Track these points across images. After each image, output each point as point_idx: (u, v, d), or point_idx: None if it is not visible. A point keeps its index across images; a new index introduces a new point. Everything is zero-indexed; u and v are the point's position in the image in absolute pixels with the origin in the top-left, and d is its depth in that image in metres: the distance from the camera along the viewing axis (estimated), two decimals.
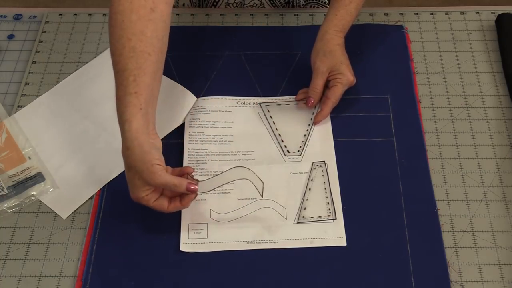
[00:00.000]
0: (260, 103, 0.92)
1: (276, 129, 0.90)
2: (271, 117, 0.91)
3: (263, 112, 0.91)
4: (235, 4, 1.08)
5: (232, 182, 0.83)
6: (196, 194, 0.76)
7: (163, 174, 0.72)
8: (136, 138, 0.72)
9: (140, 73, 0.73)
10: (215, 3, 1.08)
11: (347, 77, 0.87)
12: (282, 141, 0.88)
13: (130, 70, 0.73)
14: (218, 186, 0.79)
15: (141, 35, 0.74)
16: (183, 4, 1.11)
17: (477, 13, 1.05)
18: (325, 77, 0.88)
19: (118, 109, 0.74)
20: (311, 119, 0.90)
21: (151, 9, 0.75)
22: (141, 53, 0.74)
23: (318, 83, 0.87)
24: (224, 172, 0.80)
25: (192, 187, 0.73)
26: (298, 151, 0.87)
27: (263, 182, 0.80)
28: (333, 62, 0.87)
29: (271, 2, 1.07)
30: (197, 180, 0.76)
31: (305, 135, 0.89)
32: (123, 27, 0.74)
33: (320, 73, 0.87)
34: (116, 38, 0.75)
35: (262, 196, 0.81)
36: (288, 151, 0.87)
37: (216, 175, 0.80)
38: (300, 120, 0.90)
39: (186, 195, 0.75)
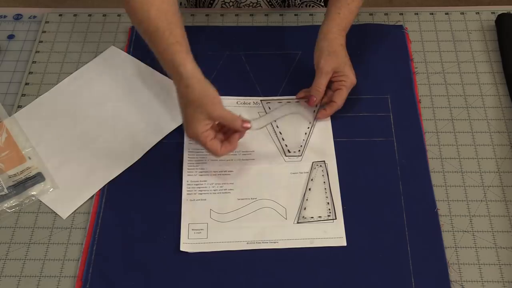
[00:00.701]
0: (261, 100, 0.92)
1: (277, 126, 0.90)
2: (269, 125, 0.91)
3: (264, 110, 0.91)
4: (231, 3, 1.08)
5: (232, 182, 0.83)
6: (243, 134, 0.82)
7: (223, 107, 0.78)
8: (194, 76, 0.77)
9: (173, 27, 0.80)
10: (211, 2, 1.08)
11: (350, 79, 0.87)
12: (283, 139, 0.88)
13: (163, 27, 0.79)
14: (268, 124, 0.86)
15: None
16: (180, 3, 1.11)
17: (477, 13, 1.05)
18: (329, 77, 0.88)
19: (165, 60, 0.80)
20: (313, 118, 0.90)
21: None
22: (167, 12, 0.81)
23: (321, 82, 0.87)
24: (272, 110, 0.87)
25: (245, 124, 0.80)
26: (299, 150, 0.87)
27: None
28: (337, 62, 0.87)
29: (268, 1, 1.07)
30: (248, 120, 0.81)
31: (305, 133, 0.89)
32: None
33: (324, 73, 0.87)
34: (139, 6, 0.81)
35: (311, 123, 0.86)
36: (288, 151, 0.87)
37: (265, 114, 0.87)
38: (301, 120, 0.90)
39: (233, 135, 0.81)
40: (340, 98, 0.88)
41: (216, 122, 0.81)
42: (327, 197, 0.83)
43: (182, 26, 0.82)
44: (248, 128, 0.80)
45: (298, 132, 0.89)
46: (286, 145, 0.88)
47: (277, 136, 0.89)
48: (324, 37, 0.88)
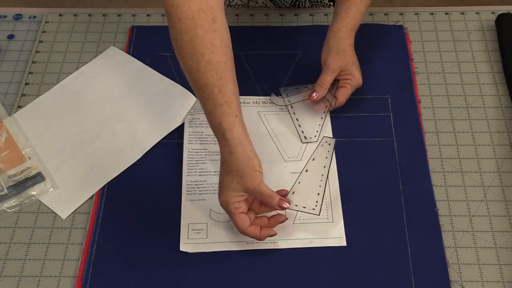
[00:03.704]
0: (278, 87, 0.92)
1: (294, 113, 0.90)
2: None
3: (281, 96, 0.92)
4: (238, 5, 1.08)
5: None
6: (286, 219, 0.76)
7: (262, 181, 0.73)
8: (240, 144, 0.72)
9: (223, 83, 0.73)
10: None
11: (356, 78, 0.88)
12: (300, 125, 0.89)
13: (213, 83, 0.73)
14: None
15: (212, 47, 0.73)
16: None
17: (477, 13, 1.05)
18: (335, 75, 0.88)
19: (213, 121, 0.74)
20: (319, 124, 0.90)
21: (212, 20, 0.74)
22: (218, 64, 0.73)
23: (326, 79, 0.87)
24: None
25: (284, 204, 0.73)
26: (297, 156, 0.87)
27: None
28: (345, 61, 0.87)
29: (275, 4, 1.07)
30: (290, 200, 0.76)
31: (321, 118, 0.89)
32: (193, 44, 0.73)
33: (331, 70, 0.87)
34: (189, 56, 0.74)
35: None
36: (288, 157, 0.87)
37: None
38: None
39: (275, 217, 0.76)
40: (342, 96, 0.88)
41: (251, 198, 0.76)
42: (326, 199, 0.82)
43: (234, 79, 0.75)
44: (285, 208, 0.74)
45: (296, 138, 0.89)
46: (285, 151, 0.88)
47: (275, 144, 0.88)
48: (334, 35, 0.88)
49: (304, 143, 0.88)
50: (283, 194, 0.77)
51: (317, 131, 0.89)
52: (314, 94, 0.88)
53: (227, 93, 0.73)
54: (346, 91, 0.88)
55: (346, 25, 0.88)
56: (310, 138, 0.88)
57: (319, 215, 0.78)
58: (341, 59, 0.87)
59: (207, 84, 0.73)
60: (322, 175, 0.79)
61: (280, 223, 0.77)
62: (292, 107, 0.91)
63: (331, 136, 0.89)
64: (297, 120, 0.90)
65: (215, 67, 0.73)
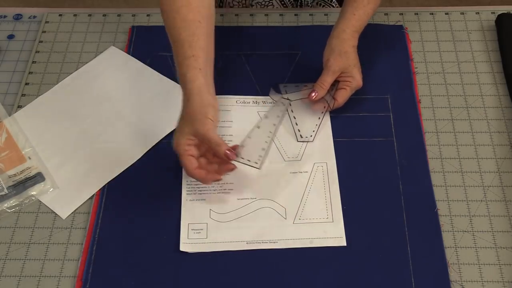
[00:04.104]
0: (279, 84, 0.92)
1: (292, 111, 0.90)
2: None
3: (280, 92, 0.92)
4: (241, 3, 1.08)
5: (232, 182, 0.83)
6: (233, 167, 0.79)
7: (212, 128, 0.76)
8: (198, 94, 0.77)
9: (194, 39, 0.79)
10: (221, 2, 1.09)
11: (357, 81, 0.88)
12: (297, 124, 0.88)
13: (183, 38, 0.79)
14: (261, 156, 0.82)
15: (189, 5, 0.81)
16: None
17: (477, 13, 1.05)
18: (335, 77, 0.88)
19: (180, 72, 0.79)
20: (316, 124, 0.90)
21: None
22: (192, 22, 0.80)
23: (326, 79, 0.87)
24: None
25: (230, 154, 0.76)
26: (297, 156, 0.87)
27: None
28: (346, 63, 0.87)
29: (281, 1, 1.07)
30: (238, 152, 0.79)
31: (319, 118, 0.89)
32: (171, 3, 0.81)
33: (332, 72, 0.87)
34: (167, 13, 0.82)
35: None
36: (288, 157, 0.87)
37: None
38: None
39: (224, 165, 0.78)
40: (341, 97, 0.88)
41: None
42: (326, 197, 0.83)
43: (208, 37, 0.81)
44: (231, 159, 0.76)
45: (311, 118, 0.89)
46: (285, 152, 0.88)
47: (290, 120, 0.88)
48: (338, 36, 0.88)
49: (299, 141, 0.88)
50: (234, 147, 0.79)
51: (313, 131, 0.89)
52: (313, 94, 0.88)
53: (195, 48, 0.79)
54: (345, 93, 0.88)
55: (351, 26, 0.88)
56: (306, 137, 0.88)
57: (259, 168, 0.80)
58: (343, 60, 0.87)
59: (179, 40, 0.80)
60: (270, 132, 0.82)
61: (229, 171, 0.79)
62: (290, 104, 0.91)
63: (331, 136, 0.89)
64: (295, 118, 0.89)
65: (188, 25, 0.80)
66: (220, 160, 0.78)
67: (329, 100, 0.89)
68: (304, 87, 0.91)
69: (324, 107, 0.90)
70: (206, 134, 0.76)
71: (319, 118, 0.90)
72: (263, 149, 0.80)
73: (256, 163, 0.80)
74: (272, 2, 1.08)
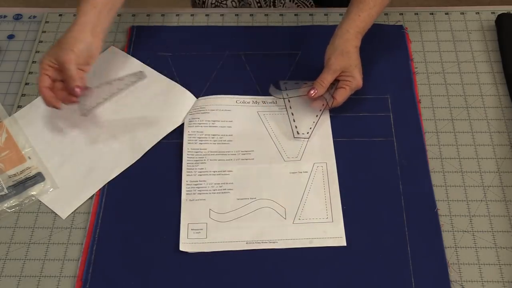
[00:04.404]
0: (279, 81, 0.93)
1: (291, 107, 0.90)
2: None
3: (280, 89, 0.91)
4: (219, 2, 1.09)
5: (232, 182, 0.83)
6: (76, 102, 0.84)
7: (71, 60, 0.82)
8: (78, 27, 0.84)
9: None
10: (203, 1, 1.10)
11: (357, 81, 0.88)
12: (294, 120, 0.88)
13: None
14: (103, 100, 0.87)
15: None
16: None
17: (477, 13, 1.05)
18: (336, 75, 0.88)
19: (78, 2, 0.85)
20: (313, 122, 0.90)
21: None
22: None
23: (327, 78, 0.87)
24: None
25: (77, 89, 0.83)
26: (297, 156, 0.87)
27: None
28: (347, 63, 0.87)
29: (257, 1, 1.08)
30: (88, 88, 0.85)
31: (303, 139, 0.89)
32: None
33: (333, 70, 0.87)
34: None
35: None
36: (288, 157, 0.87)
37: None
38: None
39: (69, 96, 0.84)
40: (340, 96, 0.88)
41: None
42: (326, 197, 0.83)
43: None
44: (76, 95, 0.83)
45: (309, 115, 0.89)
46: (285, 152, 0.88)
47: (275, 145, 0.88)
48: (341, 36, 0.88)
49: (296, 138, 0.88)
50: (85, 88, 0.84)
51: (310, 128, 0.88)
52: (312, 92, 0.87)
53: None
54: (345, 92, 0.88)
55: (355, 27, 0.88)
56: (303, 134, 0.88)
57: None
58: (344, 60, 0.87)
59: None
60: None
61: (71, 103, 0.85)
62: (289, 101, 0.91)
63: (331, 136, 0.89)
64: (292, 114, 0.89)
65: None
66: (69, 91, 0.84)
67: (328, 99, 0.89)
68: (304, 85, 0.91)
69: (323, 105, 0.90)
70: (64, 64, 0.82)
71: (317, 116, 0.90)
72: (98, 103, 0.86)
73: (84, 110, 0.86)
74: (249, 1, 1.08)
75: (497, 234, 0.80)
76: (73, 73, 0.82)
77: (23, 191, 0.84)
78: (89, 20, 0.84)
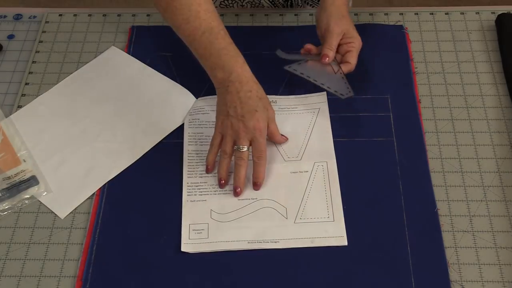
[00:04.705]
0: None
1: None
2: None
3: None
4: (231, 2, 1.08)
5: (232, 183, 0.83)
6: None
7: None
8: (256, 82, 0.83)
9: (223, 28, 0.84)
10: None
11: (358, 41, 0.90)
12: (282, 148, 0.88)
13: (216, 26, 0.83)
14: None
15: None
16: None
17: (477, 13, 1.05)
18: (339, 39, 0.90)
19: (222, 59, 0.82)
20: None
21: None
22: (214, 12, 0.84)
23: (333, 43, 0.89)
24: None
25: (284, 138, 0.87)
26: (297, 156, 0.87)
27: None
28: (347, 25, 0.90)
29: (271, 1, 1.08)
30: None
31: (304, 139, 0.89)
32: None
33: (336, 34, 0.89)
34: (184, 4, 0.83)
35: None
36: (288, 157, 0.87)
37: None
38: (299, 125, 0.90)
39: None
40: (353, 59, 0.90)
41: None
42: (327, 197, 0.83)
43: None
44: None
45: (296, 139, 0.89)
46: (285, 152, 0.87)
47: (275, 145, 0.88)
48: (332, 3, 0.91)
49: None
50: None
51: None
52: (324, 59, 0.89)
53: (228, 36, 0.84)
54: (354, 54, 0.90)
55: None
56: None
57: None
58: (344, 23, 0.89)
59: (212, 27, 0.83)
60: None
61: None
62: (299, 66, 0.92)
63: (331, 136, 0.89)
64: (309, 77, 0.90)
65: (213, 15, 0.84)
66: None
67: (335, 67, 0.90)
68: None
69: (334, 71, 0.90)
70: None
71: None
72: None
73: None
74: (262, 4, 1.08)
75: (497, 234, 0.80)
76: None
77: (16, 194, 0.84)
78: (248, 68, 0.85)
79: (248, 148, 0.81)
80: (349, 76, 0.90)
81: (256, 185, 0.82)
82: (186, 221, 0.81)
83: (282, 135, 0.86)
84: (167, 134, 0.90)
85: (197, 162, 0.86)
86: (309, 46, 0.92)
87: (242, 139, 0.81)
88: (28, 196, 0.84)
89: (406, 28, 1.02)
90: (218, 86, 0.84)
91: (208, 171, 0.84)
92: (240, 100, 0.81)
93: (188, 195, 0.83)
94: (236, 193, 0.82)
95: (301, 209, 0.82)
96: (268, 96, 0.93)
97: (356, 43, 0.90)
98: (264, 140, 0.81)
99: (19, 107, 0.94)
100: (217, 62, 0.83)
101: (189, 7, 0.83)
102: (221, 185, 0.83)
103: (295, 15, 1.05)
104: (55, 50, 1.02)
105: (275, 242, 0.79)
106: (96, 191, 0.85)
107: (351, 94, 0.89)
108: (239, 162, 0.81)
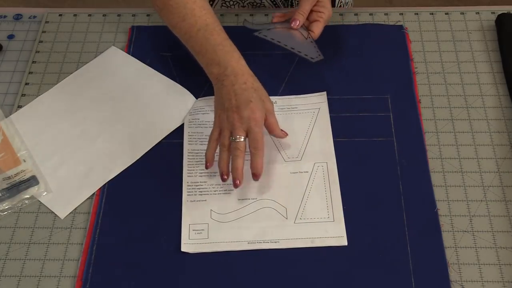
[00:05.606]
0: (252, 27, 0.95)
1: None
2: None
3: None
4: (232, 3, 1.08)
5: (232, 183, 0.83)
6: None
7: None
8: (252, 74, 0.83)
9: (219, 24, 0.86)
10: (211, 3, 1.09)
11: (328, 11, 0.92)
12: (283, 148, 0.88)
13: (212, 23, 0.85)
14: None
15: None
16: None
17: (477, 13, 1.05)
18: (313, 5, 0.92)
19: (218, 55, 0.83)
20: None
21: None
22: (209, 9, 0.86)
23: (306, 8, 0.92)
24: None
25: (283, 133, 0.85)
26: (297, 156, 0.87)
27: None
28: None
29: (272, 0, 1.08)
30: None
31: (304, 139, 0.89)
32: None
33: (311, 0, 0.91)
34: (179, 2, 0.85)
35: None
36: (288, 157, 0.87)
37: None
38: (298, 127, 0.90)
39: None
40: (318, 28, 0.92)
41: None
42: (327, 197, 0.83)
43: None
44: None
45: (296, 140, 0.89)
46: (285, 153, 0.87)
47: (275, 145, 0.88)
48: None
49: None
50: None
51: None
52: (294, 23, 0.91)
53: (223, 31, 0.85)
54: (320, 25, 0.92)
55: None
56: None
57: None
58: None
59: (208, 24, 0.84)
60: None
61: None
62: (267, 34, 0.93)
63: (331, 136, 0.89)
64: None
65: (209, 12, 0.85)
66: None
67: (304, 33, 0.92)
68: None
69: (303, 37, 0.92)
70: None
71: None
72: None
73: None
74: (263, 3, 1.08)
75: (497, 234, 0.80)
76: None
77: (16, 194, 0.84)
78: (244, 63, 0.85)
79: (244, 139, 0.80)
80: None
81: (256, 176, 0.80)
82: (186, 221, 0.81)
83: (282, 130, 0.85)
84: (167, 134, 0.90)
85: (197, 162, 0.86)
86: (278, 13, 0.95)
87: (238, 129, 0.80)
88: (28, 196, 0.84)
89: (406, 28, 1.02)
90: (214, 82, 0.84)
91: (207, 166, 0.83)
92: (235, 92, 0.80)
93: (188, 195, 0.83)
94: (235, 185, 0.80)
95: (301, 209, 0.82)
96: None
97: (326, 13, 0.92)
98: (260, 130, 0.80)
99: (19, 107, 0.94)
100: (213, 58, 0.83)
101: (184, 5, 0.84)
102: (223, 179, 0.81)
103: None
104: (55, 50, 1.02)
105: (275, 242, 0.79)
106: (96, 191, 0.85)
107: (321, 57, 0.90)
108: (236, 152, 0.80)
